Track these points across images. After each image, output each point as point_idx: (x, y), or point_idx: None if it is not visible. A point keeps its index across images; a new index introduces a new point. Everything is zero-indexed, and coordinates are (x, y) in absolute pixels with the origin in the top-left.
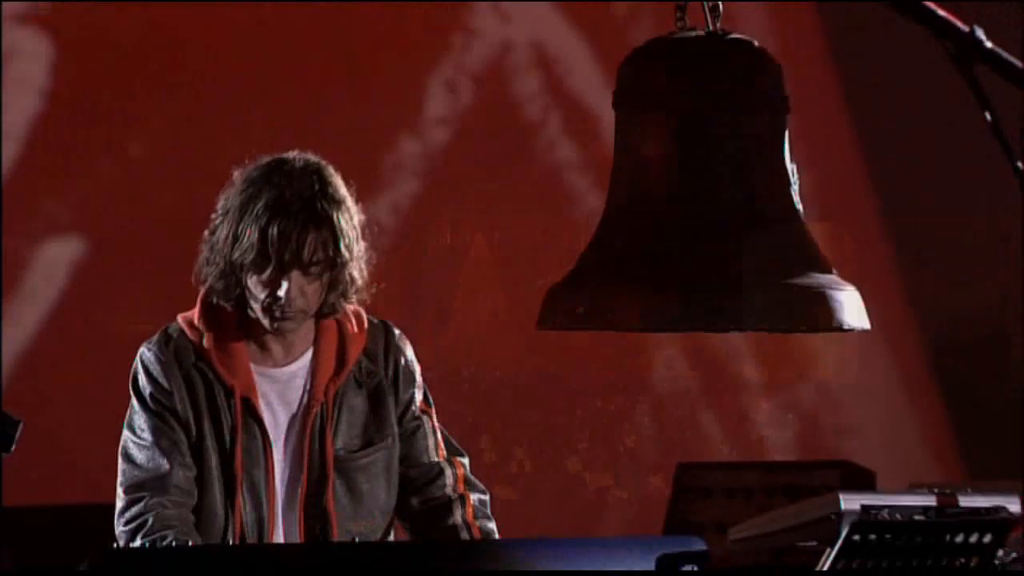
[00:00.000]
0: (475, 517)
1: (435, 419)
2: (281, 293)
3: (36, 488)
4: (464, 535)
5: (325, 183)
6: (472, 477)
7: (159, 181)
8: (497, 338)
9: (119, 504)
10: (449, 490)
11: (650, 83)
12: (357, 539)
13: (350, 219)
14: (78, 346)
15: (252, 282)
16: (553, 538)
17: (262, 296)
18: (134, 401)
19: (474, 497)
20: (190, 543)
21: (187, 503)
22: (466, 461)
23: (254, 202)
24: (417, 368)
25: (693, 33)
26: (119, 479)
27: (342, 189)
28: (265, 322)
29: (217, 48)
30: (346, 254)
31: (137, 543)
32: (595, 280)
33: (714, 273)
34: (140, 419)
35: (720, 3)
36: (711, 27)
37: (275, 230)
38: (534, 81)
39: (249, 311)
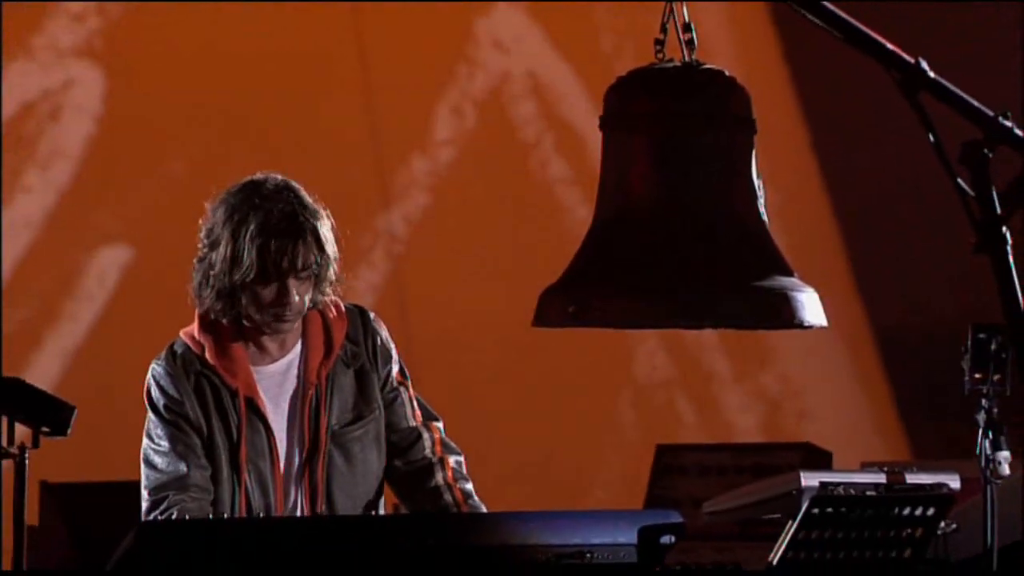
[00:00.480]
0: (455, 479)
1: (411, 389)
2: (288, 300)
3: (90, 467)
4: (447, 496)
5: (300, 198)
6: (447, 439)
7: (199, 196)
8: (495, 334)
9: (145, 505)
10: (428, 452)
11: (633, 108)
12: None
13: (327, 226)
14: (127, 341)
15: (255, 295)
16: (542, 511)
17: (269, 306)
18: (150, 413)
19: (452, 459)
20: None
21: (205, 498)
22: (440, 424)
23: (244, 226)
24: (392, 345)
25: (671, 64)
26: (143, 483)
27: (313, 201)
28: (270, 328)
29: (250, 78)
30: (329, 256)
31: None
32: (584, 283)
33: (690, 277)
34: (157, 428)
35: (695, 37)
36: (687, 58)
37: (272, 247)
38: (530, 106)
39: (246, 321)
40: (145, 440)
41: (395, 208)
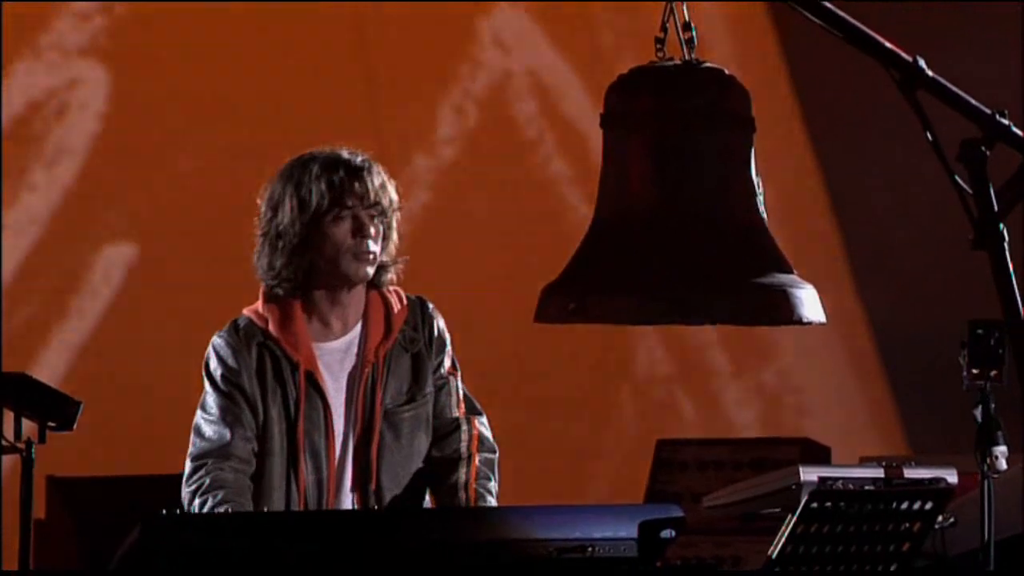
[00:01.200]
0: (477, 477)
1: (460, 381)
2: (366, 233)
3: (96, 462)
4: (461, 495)
5: (353, 150)
6: (486, 435)
7: (203, 194)
8: (497, 330)
9: (186, 471)
10: (462, 446)
11: (633, 106)
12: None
13: (387, 174)
14: (133, 337)
15: (329, 237)
16: (545, 505)
17: (349, 241)
18: (206, 383)
19: (480, 457)
20: (231, 507)
21: (244, 470)
22: (484, 419)
23: (307, 171)
24: (447, 336)
25: (671, 62)
26: (189, 450)
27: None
28: (351, 268)
29: (254, 77)
30: (393, 200)
31: (197, 501)
32: (585, 280)
33: (690, 273)
34: (211, 399)
35: (695, 36)
36: (687, 57)
37: (341, 174)
38: (531, 105)
39: (325, 271)
40: (198, 412)
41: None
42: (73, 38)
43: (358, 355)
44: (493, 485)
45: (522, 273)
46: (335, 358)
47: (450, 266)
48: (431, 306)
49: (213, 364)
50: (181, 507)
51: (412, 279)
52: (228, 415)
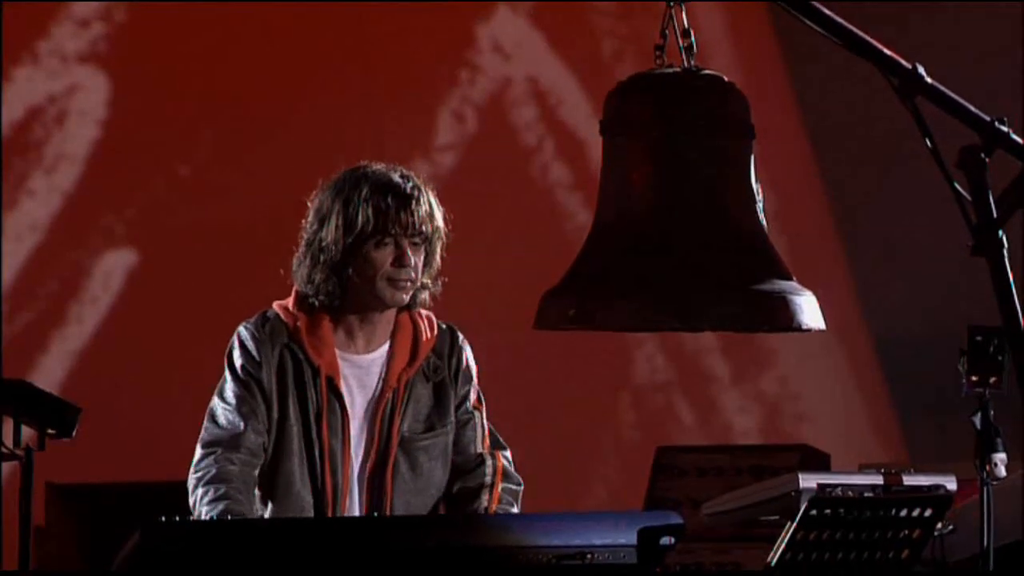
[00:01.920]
0: (499, 502)
1: (485, 415)
2: (406, 262)
3: (95, 468)
4: None
5: (408, 173)
6: (511, 469)
7: (203, 200)
8: (496, 337)
9: (196, 456)
10: (486, 479)
11: (633, 113)
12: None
13: (436, 202)
14: (132, 343)
15: (369, 260)
16: (544, 512)
17: (386, 268)
18: (227, 372)
19: (503, 486)
20: (229, 504)
21: (253, 463)
22: (508, 454)
23: (357, 191)
24: (474, 369)
25: (670, 69)
26: (201, 436)
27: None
28: (387, 293)
29: (253, 83)
30: (439, 227)
31: (199, 490)
32: (584, 286)
33: (689, 280)
34: (229, 387)
35: (694, 43)
36: (686, 64)
37: (389, 202)
38: (530, 111)
39: (359, 292)
40: (215, 398)
41: None
42: (73, 44)
43: (380, 378)
44: (515, 511)
45: (521, 280)
46: (355, 372)
47: (448, 272)
48: (461, 337)
49: (236, 353)
50: (181, 513)
51: None
52: (244, 406)
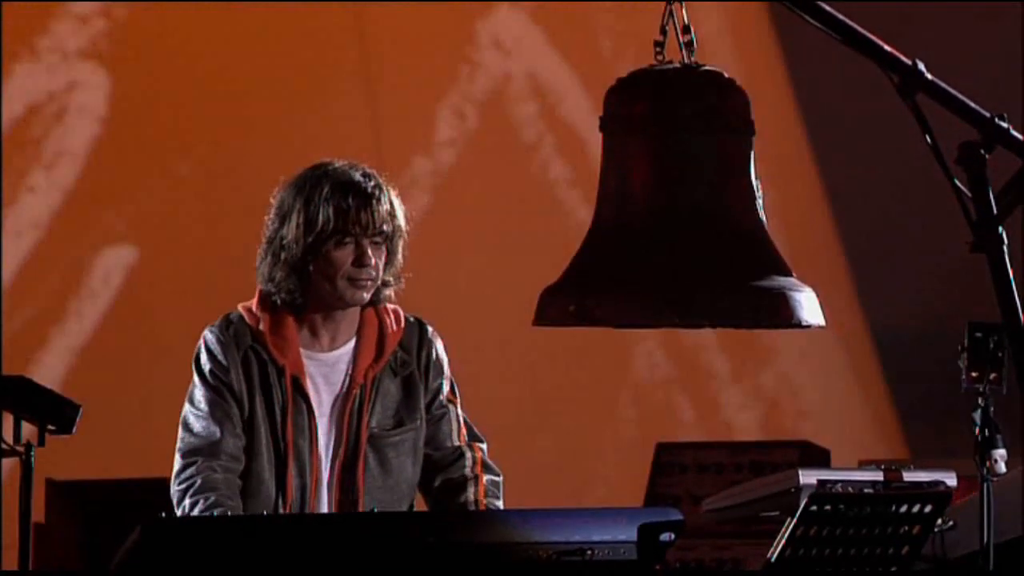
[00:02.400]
0: (485, 495)
1: (460, 408)
2: (366, 261)
3: (95, 465)
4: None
5: (368, 171)
6: (489, 461)
7: (203, 196)
8: (496, 334)
9: (176, 467)
10: (467, 471)
11: (633, 109)
12: (376, 508)
13: (398, 200)
14: (132, 339)
15: (331, 261)
16: (544, 508)
17: (347, 267)
18: (195, 377)
19: (487, 478)
20: (225, 508)
21: (235, 468)
22: (484, 446)
23: (318, 189)
24: (446, 361)
25: (670, 65)
26: (178, 445)
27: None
28: (347, 293)
29: (253, 80)
30: (401, 226)
31: (187, 501)
32: (584, 283)
33: (689, 276)
34: (199, 393)
35: (694, 39)
36: (686, 60)
37: (350, 202)
38: (530, 108)
39: (320, 291)
40: (187, 405)
41: None
42: (73, 41)
43: (347, 375)
44: (501, 504)
45: (521, 276)
46: (321, 370)
47: (449, 269)
48: (430, 329)
49: (203, 358)
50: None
51: (410, 283)
52: (217, 411)
